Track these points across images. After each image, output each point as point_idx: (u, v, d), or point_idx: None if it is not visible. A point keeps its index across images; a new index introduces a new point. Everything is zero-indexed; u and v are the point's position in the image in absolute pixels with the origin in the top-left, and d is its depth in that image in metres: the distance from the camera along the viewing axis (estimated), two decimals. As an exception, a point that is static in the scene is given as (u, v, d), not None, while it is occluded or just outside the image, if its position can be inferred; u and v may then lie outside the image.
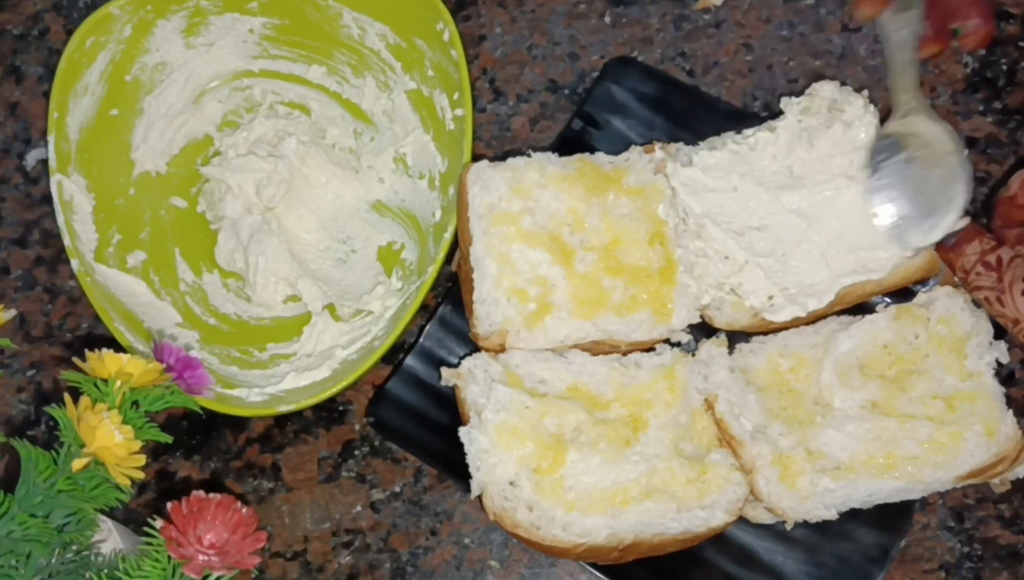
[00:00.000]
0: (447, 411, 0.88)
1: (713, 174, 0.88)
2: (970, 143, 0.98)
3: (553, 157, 0.88)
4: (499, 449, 0.80)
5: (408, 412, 0.91)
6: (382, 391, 0.92)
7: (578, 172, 0.87)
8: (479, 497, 0.80)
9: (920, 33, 0.90)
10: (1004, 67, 1.00)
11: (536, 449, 0.80)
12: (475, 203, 0.85)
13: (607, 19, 1.04)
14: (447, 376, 0.85)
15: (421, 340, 0.92)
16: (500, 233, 0.85)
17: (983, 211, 0.95)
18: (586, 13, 1.04)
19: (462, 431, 0.81)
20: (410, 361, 0.92)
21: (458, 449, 0.81)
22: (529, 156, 0.88)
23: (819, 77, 0.98)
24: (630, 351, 0.87)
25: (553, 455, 0.80)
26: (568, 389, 0.84)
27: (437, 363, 0.90)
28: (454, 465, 0.82)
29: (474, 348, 0.87)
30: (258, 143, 1.01)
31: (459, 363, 0.85)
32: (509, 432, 0.80)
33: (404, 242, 0.99)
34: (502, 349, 0.85)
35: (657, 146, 0.89)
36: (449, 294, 0.93)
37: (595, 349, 0.86)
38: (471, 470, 0.80)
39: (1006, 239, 0.81)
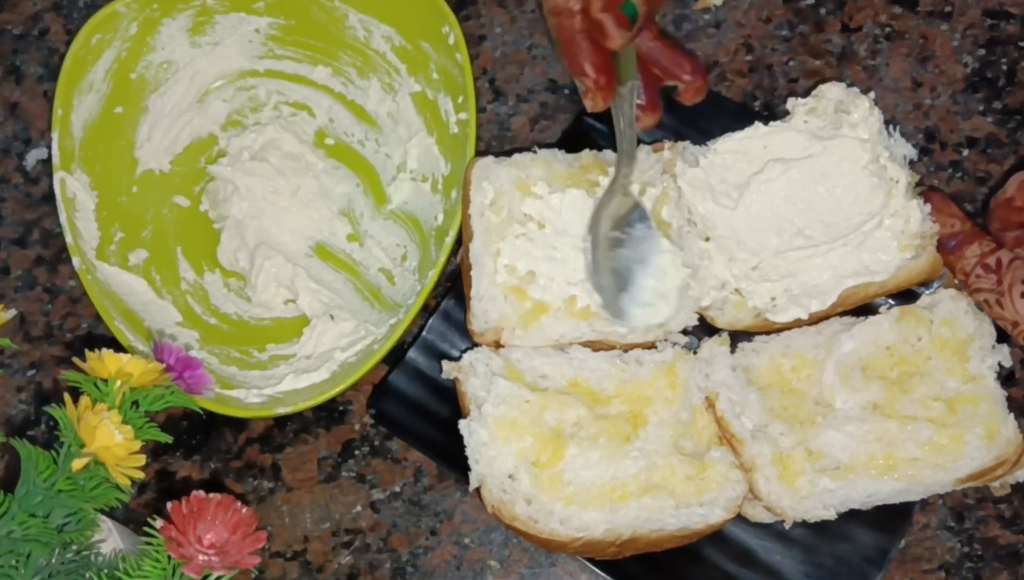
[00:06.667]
0: (448, 404, 0.87)
1: (719, 175, 0.89)
2: (970, 143, 0.98)
3: (559, 154, 0.88)
4: (498, 442, 0.80)
5: (409, 405, 0.91)
6: (384, 384, 0.92)
7: (583, 170, 0.87)
8: (478, 490, 0.80)
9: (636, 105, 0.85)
10: (1004, 67, 0.99)
11: (535, 443, 0.80)
12: (477, 198, 0.85)
13: (608, 19, 1.04)
14: (448, 369, 0.85)
15: (424, 333, 0.92)
16: (500, 230, 0.85)
17: (982, 213, 0.95)
18: (587, 13, 1.04)
19: (462, 424, 0.81)
20: (412, 354, 0.92)
21: (458, 442, 0.81)
22: (535, 152, 0.88)
23: (819, 77, 0.99)
24: (631, 348, 0.87)
25: (552, 449, 0.80)
26: (569, 384, 0.84)
27: (439, 356, 0.90)
28: (454, 458, 0.82)
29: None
30: (268, 147, 1.01)
31: (461, 357, 0.85)
32: (509, 425, 0.80)
33: (406, 245, 0.99)
34: (498, 346, 0.85)
35: (667, 145, 0.89)
36: (452, 288, 0.93)
37: (594, 347, 0.86)
38: (470, 463, 0.80)
39: (1004, 241, 0.81)
